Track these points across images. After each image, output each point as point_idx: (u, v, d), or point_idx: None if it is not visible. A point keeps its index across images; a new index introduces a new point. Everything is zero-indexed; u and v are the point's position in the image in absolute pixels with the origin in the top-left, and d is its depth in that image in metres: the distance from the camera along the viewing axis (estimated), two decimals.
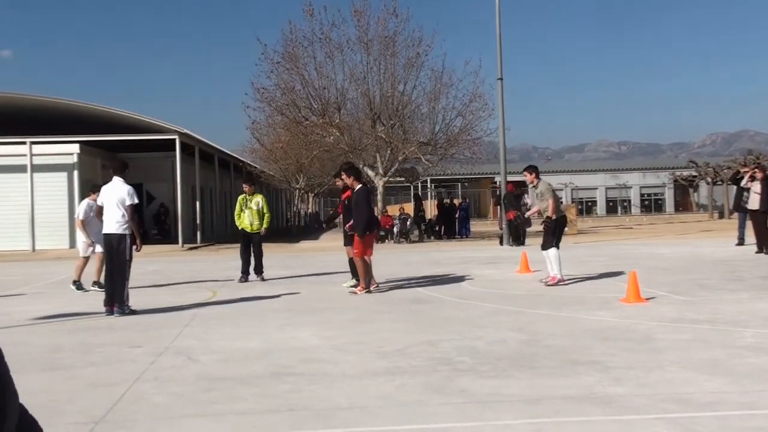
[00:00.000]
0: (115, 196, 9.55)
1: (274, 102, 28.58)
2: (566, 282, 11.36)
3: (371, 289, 11.07)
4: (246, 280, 13.31)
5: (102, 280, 10.60)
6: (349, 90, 27.83)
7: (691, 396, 4.85)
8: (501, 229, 24.27)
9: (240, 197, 13.75)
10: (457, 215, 31.08)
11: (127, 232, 9.52)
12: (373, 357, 6.42)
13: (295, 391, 5.27)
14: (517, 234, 23.11)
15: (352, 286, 11.51)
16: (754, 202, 16.35)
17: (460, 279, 12.80)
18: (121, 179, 9.72)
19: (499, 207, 24.17)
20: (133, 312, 9.43)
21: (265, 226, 13.67)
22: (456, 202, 34.37)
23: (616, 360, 6.00)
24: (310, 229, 45.44)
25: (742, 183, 17.35)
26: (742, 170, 19.18)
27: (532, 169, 11.76)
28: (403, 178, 35.97)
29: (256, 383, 5.54)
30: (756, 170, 16.97)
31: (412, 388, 5.28)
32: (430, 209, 37.39)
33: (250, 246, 13.60)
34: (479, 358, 6.24)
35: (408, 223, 27.98)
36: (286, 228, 49.16)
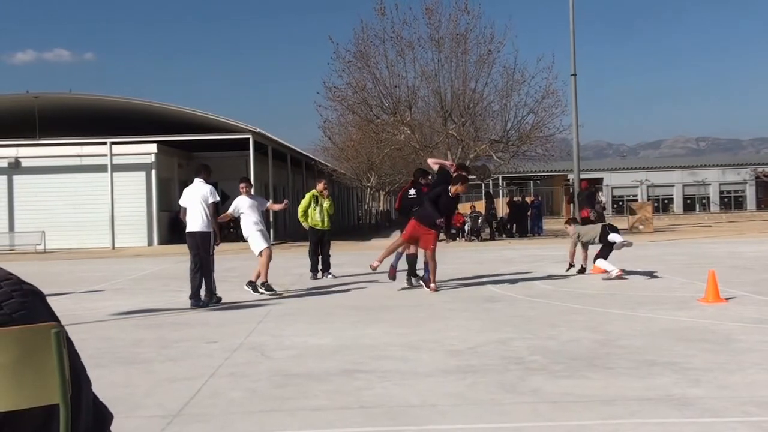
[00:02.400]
0: (199, 195, 10.05)
1: (346, 101, 28.83)
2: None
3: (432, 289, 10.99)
4: (316, 278, 13.49)
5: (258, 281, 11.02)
6: (420, 88, 27.86)
7: None
8: None
9: (310, 193, 13.86)
10: (529, 213, 30.73)
11: (210, 229, 10.05)
12: (445, 355, 6.41)
13: (367, 388, 5.31)
14: None
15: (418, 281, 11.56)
16: None
17: (532, 277, 12.66)
18: (202, 180, 10.14)
19: (572, 205, 23.77)
20: (219, 300, 10.12)
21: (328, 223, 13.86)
22: (528, 199, 33.98)
23: (695, 361, 5.84)
24: (381, 227, 45.63)
25: None
26: None
27: None
28: (474, 176, 35.73)
29: (328, 380, 5.61)
30: None
31: (483, 387, 5.25)
32: (502, 207, 37.07)
33: (319, 244, 13.78)
34: (552, 357, 6.17)
35: (479, 221, 27.80)
36: (357, 226, 49.51)
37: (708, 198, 68.24)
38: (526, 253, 19.28)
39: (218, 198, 10.20)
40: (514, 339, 7.04)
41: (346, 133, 38.45)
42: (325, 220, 13.73)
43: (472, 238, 26.88)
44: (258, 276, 10.96)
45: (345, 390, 5.29)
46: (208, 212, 10.07)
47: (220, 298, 10.21)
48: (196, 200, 10.13)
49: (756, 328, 7.27)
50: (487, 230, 28.53)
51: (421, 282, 11.49)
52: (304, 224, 13.95)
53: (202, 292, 10.07)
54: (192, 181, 10.46)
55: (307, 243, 14.20)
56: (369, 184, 44.21)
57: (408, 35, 26.85)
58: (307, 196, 13.91)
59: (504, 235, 29.06)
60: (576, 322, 7.95)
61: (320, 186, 13.95)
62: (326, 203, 13.76)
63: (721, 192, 68.66)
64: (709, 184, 68.21)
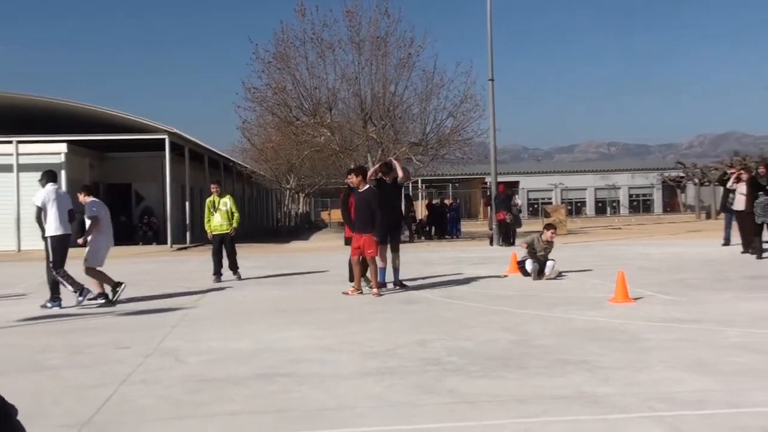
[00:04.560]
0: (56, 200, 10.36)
1: (265, 102, 28.54)
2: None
3: (353, 293, 10.95)
4: (219, 280, 13.40)
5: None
6: (340, 90, 27.85)
7: (677, 395, 4.88)
8: (491, 229, 24.31)
9: (208, 201, 13.99)
10: (447, 215, 31.12)
11: (53, 233, 10.37)
12: (364, 357, 6.42)
13: (284, 392, 5.27)
14: (507, 234, 23.17)
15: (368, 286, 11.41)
16: (739, 204, 16.44)
17: (450, 279, 12.81)
18: (50, 184, 10.50)
19: (489, 207, 24.19)
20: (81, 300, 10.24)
21: (234, 225, 13.95)
22: (447, 202, 34.40)
23: (605, 360, 6.02)
24: (301, 229, 45.38)
25: (728, 184, 17.44)
26: (728, 171, 19.27)
27: None
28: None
29: (244, 384, 5.53)
30: (742, 172, 17.07)
31: (401, 389, 5.28)
32: (421, 210, 37.42)
33: (222, 247, 13.75)
34: (469, 358, 6.25)
35: None
36: (277, 228, 49.11)
37: (618, 201, 70.62)
38: (445, 255, 19.52)
39: (39, 203, 10.36)
40: (432, 340, 7.10)
41: (266, 134, 38.08)
42: (224, 224, 13.74)
43: None
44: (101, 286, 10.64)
45: (262, 394, 5.23)
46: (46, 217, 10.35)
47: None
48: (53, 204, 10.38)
49: (662, 327, 7.55)
50: (407, 233, 28.74)
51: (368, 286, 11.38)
52: (209, 233, 13.89)
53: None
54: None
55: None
56: (289, 186, 43.92)
57: (328, 37, 26.82)
58: (206, 204, 13.98)
59: (423, 238, 29.34)
60: (492, 323, 8.09)
61: (213, 188, 14.01)
62: (221, 202, 13.73)
63: (631, 195, 71.19)
64: (620, 188, 70.62)
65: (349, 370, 5.92)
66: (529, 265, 12.40)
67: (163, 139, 27.40)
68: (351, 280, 11.53)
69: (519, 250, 12.54)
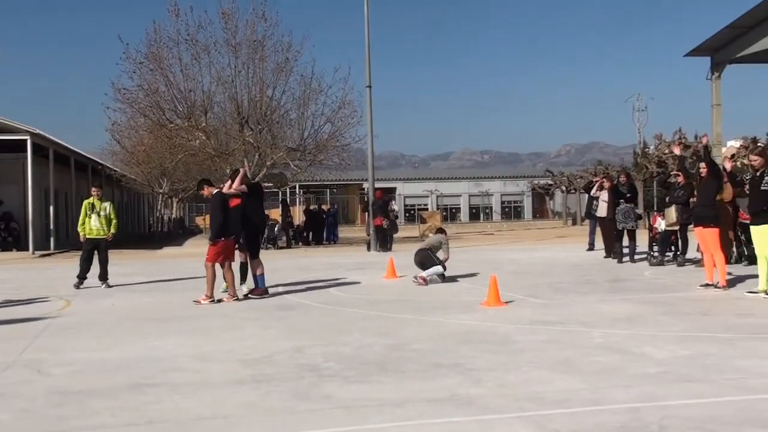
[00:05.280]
0: None
1: (137, 103, 27.59)
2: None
3: (227, 300, 10.77)
4: (80, 287, 12.92)
5: None
6: (216, 93, 27.39)
7: (545, 394, 5.08)
8: (368, 235, 24.51)
9: (86, 202, 13.45)
10: (325, 221, 31.14)
11: None
12: (239, 365, 6.31)
13: (156, 403, 5.10)
14: (384, 240, 23.43)
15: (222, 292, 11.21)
16: (602, 210, 17.31)
17: (327, 285, 12.81)
18: None
19: (366, 213, 24.39)
20: None
21: (113, 231, 13.52)
22: (324, 207, 34.42)
23: (477, 362, 6.19)
24: (174, 235, 44.14)
25: (592, 192, 18.34)
26: (592, 180, 20.29)
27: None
28: (271, 184, 35.72)
29: (113, 396, 5.31)
30: (604, 180, 18.00)
31: (277, 396, 5.23)
32: (298, 215, 37.27)
33: (94, 253, 13.25)
34: (346, 363, 6.27)
35: (276, 229, 27.75)
36: (149, 234, 47.54)
37: (491, 208, 72.92)
38: (322, 260, 19.51)
39: None
40: (308, 346, 7.07)
41: (137, 136, 36.76)
42: (102, 228, 13.24)
43: (269, 246, 26.77)
44: None
45: (131, 405, 5.04)
46: None
47: None
48: None
49: (530, 328, 7.85)
50: (284, 238, 28.55)
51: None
52: (82, 235, 13.31)
53: None
54: None
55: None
56: (161, 191, 42.59)
57: (204, 39, 26.30)
58: (84, 205, 13.43)
59: (300, 243, 29.23)
60: (369, 327, 8.15)
61: (94, 191, 13.49)
62: (101, 207, 13.27)
63: (503, 202, 73.69)
64: (492, 195, 72.94)
65: (223, 378, 5.81)
66: (433, 270, 12.49)
67: (25, 140, 25.97)
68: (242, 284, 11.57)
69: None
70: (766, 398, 4.86)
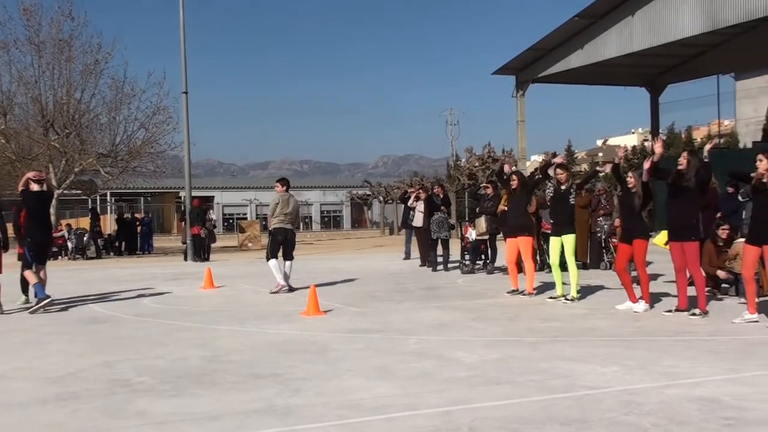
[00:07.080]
0: None
1: None
2: (285, 288, 12.24)
3: None
4: None
5: None
6: (17, 94, 25.70)
7: (363, 401, 5.19)
8: (184, 243, 23.81)
9: None
10: (139, 230, 29.88)
11: None
12: (43, 383, 5.92)
13: None
14: (201, 249, 22.85)
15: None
16: (418, 220, 17.93)
17: (141, 296, 12.31)
18: None
19: (183, 222, 23.69)
20: None
21: None
22: (138, 216, 33.01)
23: (296, 371, 6.20)
24: None
25: (409, 203, 18.96)
26: (409, 191, 20.97)
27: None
28: (80, 191, 33.84)
29: None
30: (420, 191, 18.66)
31: (86, 414, 4.96)
32: (110, 224, 35.50)
33: None
34: (160, 377, 6.06)
35: (84, 238, 26.27)
36: None
37: (311, 217, 73.26)
38: (136, 271, 18.70)
39: None
40: (119, 361, 6.77)
41: None
42: None
43: (77, 256, 25.29)
44: None
45: None
46: None
47: None
48: None
49: (349, 337, 7.98)
50: (93, 248, 27.09)
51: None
52: None
53: None
54: None
55: None
56: None
57: (2, 36, 24.58)
58: None
59: (112, 253, 27.87)
60: (185, 340, 7.93)
61: None
62: None
63: (322, 212, 74.27)
64: (312, 204, 73.32)
65: (25, 398, 5.43)
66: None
67: None
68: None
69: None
70: (566, 397, 5.25)
